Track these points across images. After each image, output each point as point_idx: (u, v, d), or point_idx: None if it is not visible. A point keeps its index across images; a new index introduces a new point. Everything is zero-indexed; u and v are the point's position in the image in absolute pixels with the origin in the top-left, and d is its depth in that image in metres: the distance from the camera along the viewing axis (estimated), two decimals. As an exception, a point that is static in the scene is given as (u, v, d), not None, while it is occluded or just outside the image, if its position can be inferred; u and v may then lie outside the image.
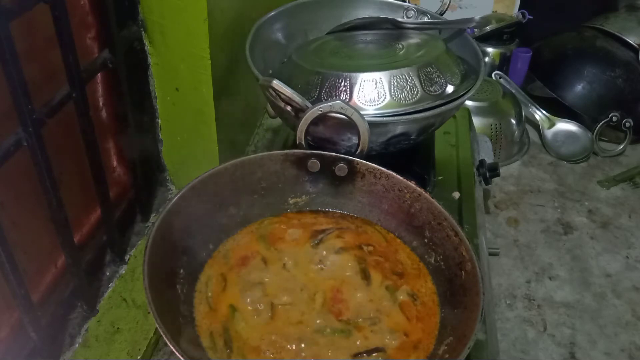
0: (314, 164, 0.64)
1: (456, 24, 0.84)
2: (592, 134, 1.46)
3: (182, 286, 0.55)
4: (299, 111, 0.62)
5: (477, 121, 1.27)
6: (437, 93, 0.70)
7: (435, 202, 0.60)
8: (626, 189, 1.38)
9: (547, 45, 1.60)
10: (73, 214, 0.64)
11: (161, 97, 0.83)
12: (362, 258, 0.61)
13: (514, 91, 1.50)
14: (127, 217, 0.83)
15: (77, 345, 0.67)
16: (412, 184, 0.62)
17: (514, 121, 1.43)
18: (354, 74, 0.68)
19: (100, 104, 0.75)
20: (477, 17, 0.81)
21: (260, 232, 0.63)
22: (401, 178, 0.62)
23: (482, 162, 1.02)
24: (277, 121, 1.01)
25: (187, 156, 0.88)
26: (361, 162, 0.63)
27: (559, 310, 1.07)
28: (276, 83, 0.61)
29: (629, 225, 1.27)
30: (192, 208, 0.58)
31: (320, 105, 0.61)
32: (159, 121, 0.85)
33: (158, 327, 0.45)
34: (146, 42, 0.77)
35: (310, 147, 0.64)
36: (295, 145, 0.64)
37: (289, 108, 0.63)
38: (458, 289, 0.55)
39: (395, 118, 0.67)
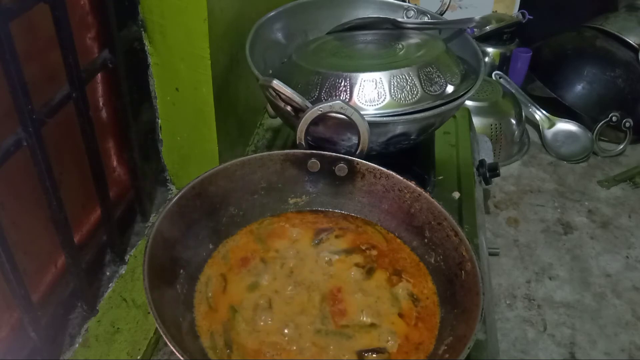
0: (314, 164, 0.64)
1: (456, 24, 0.84)
2: (592, 134, 1.46)
3: (182, 286, 0.55)
4: (299, 111, 0.62)
5: (477, 121, 1.27)
6: (437, 93, 0.70)
7: (435, 202, 0.60)
8: (626, 189, 1.38)
9: (547, 45, 1.60)
10: (73, 214, 0.64)
11: (161, 97, 0.82)
12: (362, 258, 0.61)
13: (514, 91, 1.50)
14: (127, 217, 0.83)
15: (77, 345, 0.67)
16: (412, 184, 0.62)
17: (514, 121, 1.43)
18: (354, 74, 0.68)
19: (100, 104, 0.75)
20: (477, 17, 0.82)
21: (260, 232, 0.63)
22: (401, 178, 0.62)
23: (482, 162, 1.02)
24: (277, 121, 1.02)
25: (187, 156, 0.88)
26: (361, 162, 0.63)
27: (559, 310, 1.07)
28: (276, 83, 0.61)
29: (629, 225, 1.27)
30: (192, 208, 0.58)
31: (320, 105, 0.61)
32: (159, 121, 0.85)
33: (158, 327, 0.45)
34: (146, 42, 0.77)
35: (310, 147, 0.64)
36: (295, 145, 0.64)
37: (289, 108, 0.63)
38: (458, 289, 0.55)
39: (395, 118, 0.67)
